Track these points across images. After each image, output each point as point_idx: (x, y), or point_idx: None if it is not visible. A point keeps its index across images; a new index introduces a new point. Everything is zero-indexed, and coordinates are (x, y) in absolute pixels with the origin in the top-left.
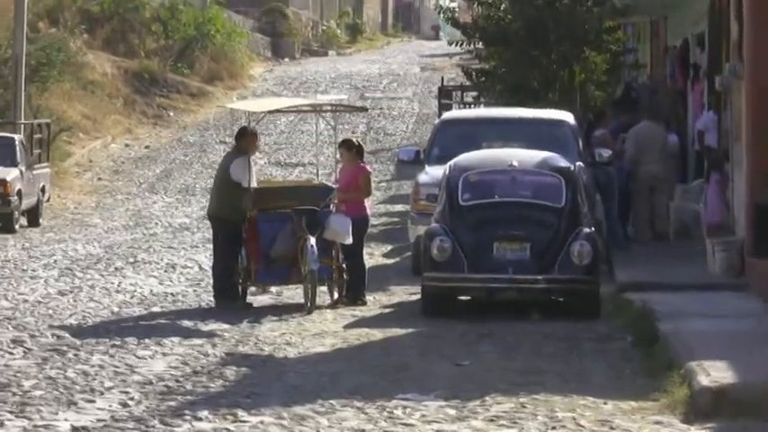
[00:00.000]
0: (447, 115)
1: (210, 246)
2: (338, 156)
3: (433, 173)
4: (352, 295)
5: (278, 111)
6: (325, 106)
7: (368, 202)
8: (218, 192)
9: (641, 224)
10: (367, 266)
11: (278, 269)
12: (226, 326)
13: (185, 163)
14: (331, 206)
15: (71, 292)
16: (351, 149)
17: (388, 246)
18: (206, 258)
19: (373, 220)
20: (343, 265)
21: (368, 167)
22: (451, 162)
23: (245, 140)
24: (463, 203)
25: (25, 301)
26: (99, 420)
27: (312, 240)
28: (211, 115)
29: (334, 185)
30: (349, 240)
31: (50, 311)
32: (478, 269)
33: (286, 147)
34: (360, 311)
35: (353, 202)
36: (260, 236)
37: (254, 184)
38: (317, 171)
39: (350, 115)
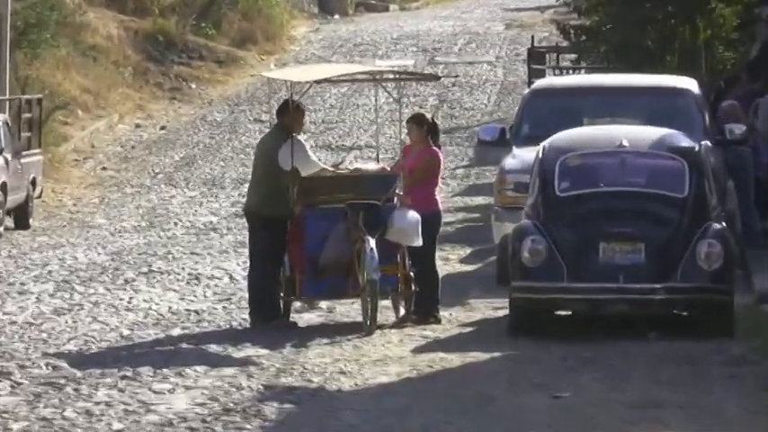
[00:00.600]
0: (539, 84)
1: (245, 250)
2: (404, 135)
3: (523, 156)
4: (423, 311)
5: (327, 81)
6: (387, 74)
7: (439, 195)
8: (259, 183)
9: None
10: (441, 275)
11: (329, 279)
12: (264, 351)
13: (211, 147)
14: (395, 199)
15: (70, 310)
16: (422, 125)
17: (466, 248)
18: (239, 266)
19: (448, 217)
20: (411, 274)
21: (439, 153)
22: (546, 142)
23: (290, 117)
24: (561, 194)
25: (12, 322)
26: None
27: (372, 243)
28: (243, 87)
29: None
30: (418, 242)
31: (44, 335)
32: (581, 277)
33: (337, 125)
34: (432, 331)
35: (422, 193)
36: (306, 238)
37: (317, 168)
38: (377, 155)
39: (417, 85)
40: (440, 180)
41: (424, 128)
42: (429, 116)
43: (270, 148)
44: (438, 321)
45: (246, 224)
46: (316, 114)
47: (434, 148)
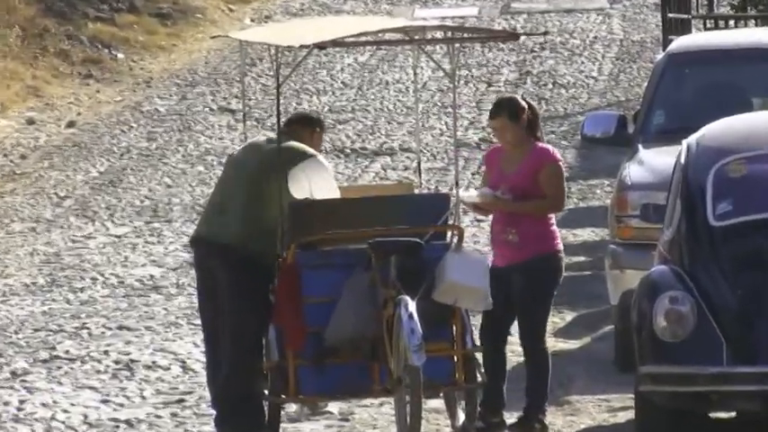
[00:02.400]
0: (681, 43)
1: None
2: (467, 129)
3: (655, 162)
4: (527, 413)
5: (336, 44)
6: (433, 33)
7: (554, 225)
8: (247, 208)
9: None
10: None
11: (342, 367)
12: None
13: (151, 155)
14: (449, 235)
15: None
16: (517, 118)
17: (564, 313)
18: (196, 348)
19: None
20: (476, 355)
21: (556, 153)
22: (692, 139)
23: (305, 134)
24: (717, 223)
25: None
26: None
27: (411, 306)
28: (201, 56)
29: (456, 192)
30: (486, 304)
31: None
32: (752, 356)
33: (354, 116)
34: None
35: (535, 226)
36: (304, 301)
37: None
38: (419, 166)
39: (483, 49)
40: None
41: (521, 121)
42: (523, 102)
43: (278, 162)
44: (545, 430)
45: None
46: (318, 99)
47: (547, 147)
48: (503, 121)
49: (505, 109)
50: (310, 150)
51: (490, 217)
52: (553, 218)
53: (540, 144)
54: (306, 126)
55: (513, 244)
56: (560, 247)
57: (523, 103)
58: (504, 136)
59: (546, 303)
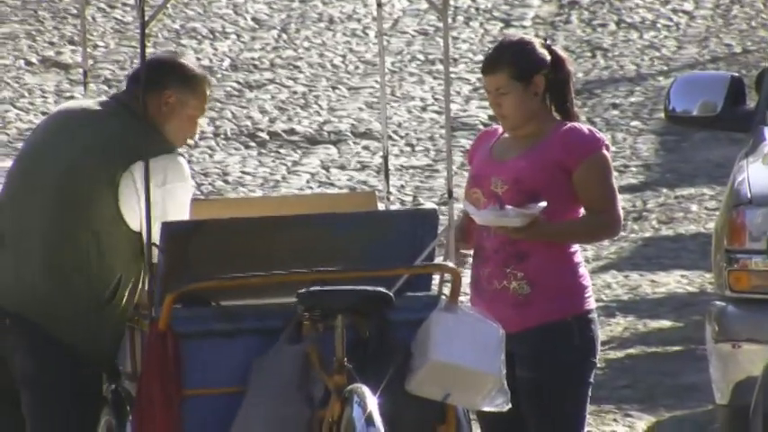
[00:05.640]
0: None
1: None
2: (474, 102)
3: None
4: None
5: None
6: None
7: (582, 265)
8: (50, 243)
9: None
10: None
11: None
12: None
13: None
14: (433, 280)
15: None
16: (526, 77)
17: (634, 418)
18: None
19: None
20: None
21: (600, 136)
22: None
23: (150, 102)
24: None
25: None
26: None
27: (371, 403)
28: None
29: (448, 207)
30: (500, 400)
31: None
32: None
33: (275, 77)
34: None
35: (542, 261)
36: (185, 392)
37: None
38: (386, 162)
39: None
40: None
41: (534, 84)
42: (542, 49)
43: (91, 163)
44: None
45: None
46: (214, 48)
47: (583, 126)
48: (502, 80)
49: (508, 58)
50: (167, 144)
51: None
52: (578, 252)
53: (570, 123)
54: (149, 86)
55: (517, 298)
56: (593, 303)
57: (542, 52)
58: (502, 106)
59: (579, 399)
